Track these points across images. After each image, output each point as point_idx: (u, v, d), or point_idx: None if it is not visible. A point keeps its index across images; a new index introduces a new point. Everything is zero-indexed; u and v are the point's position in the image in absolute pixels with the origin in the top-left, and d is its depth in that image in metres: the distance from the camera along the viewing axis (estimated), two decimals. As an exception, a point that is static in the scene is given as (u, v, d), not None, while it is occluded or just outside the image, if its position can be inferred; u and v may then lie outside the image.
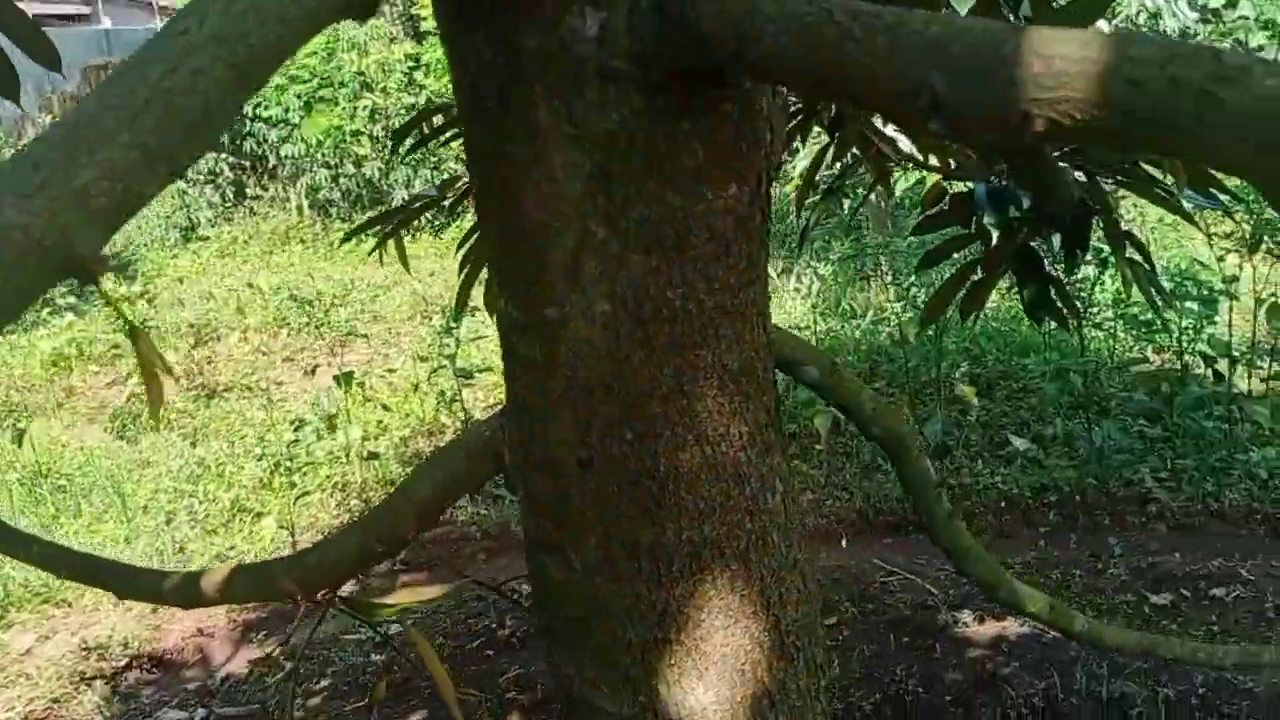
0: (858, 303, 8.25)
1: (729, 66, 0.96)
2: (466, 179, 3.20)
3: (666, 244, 1.13)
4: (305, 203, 12.74)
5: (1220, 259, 6.08)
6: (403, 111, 12.72)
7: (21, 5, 2.33)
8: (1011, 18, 2.14)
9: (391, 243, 3.17)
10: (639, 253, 1.13)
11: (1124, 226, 2.77)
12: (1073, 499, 5.41)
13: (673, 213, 1.12)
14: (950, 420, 6.18)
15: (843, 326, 7.85)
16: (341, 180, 12.74)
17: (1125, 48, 0.65)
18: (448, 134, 3.23)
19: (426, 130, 3.29)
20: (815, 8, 0.77)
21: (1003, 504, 5.44)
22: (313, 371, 8.27)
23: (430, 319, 8.79)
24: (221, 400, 7.92)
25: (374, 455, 6.45)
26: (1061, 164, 2.43)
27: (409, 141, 3.25)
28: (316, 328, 8.66)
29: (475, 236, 3.06)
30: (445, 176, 12.35)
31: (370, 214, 12.62)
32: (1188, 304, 5.93)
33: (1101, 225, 2.55)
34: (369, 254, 2.75)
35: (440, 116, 3.22)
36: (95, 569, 1.58)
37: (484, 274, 3.13)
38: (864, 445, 6.03)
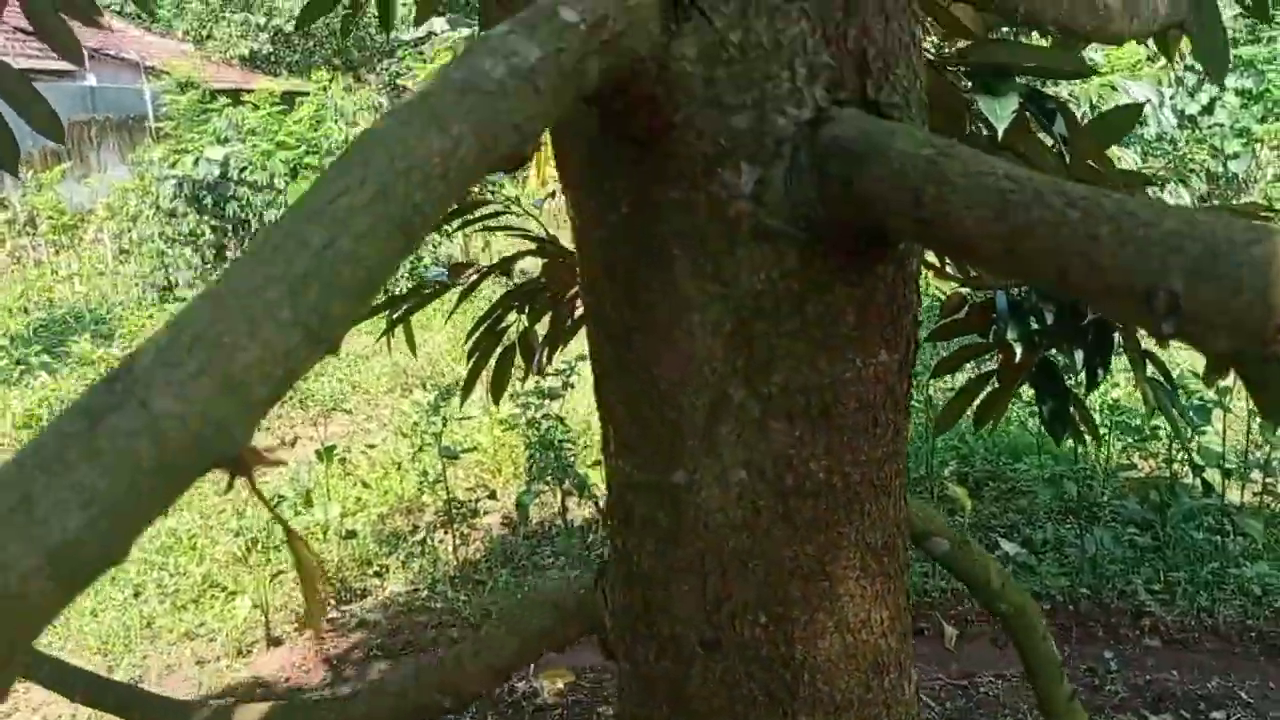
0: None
1: (899, 232, 0.90)
2: (476, 265, 3.16)
3: (812, 412, 1.06)
4: (286, 267, 12.66)
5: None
6: (390, 181, 12.72)
7: (9, 59, 2.28)
8: (1045, 135, 2.14)
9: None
10: (781, 419, 1.05)
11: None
12: (1066, 608, 5.34)
13: (820, 379, 1.05)
14: (941, 521, 6.13)
15: (829, 418, 7.80)
16: (324, 247, 12.67)
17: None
18: (456, 222, 3.21)
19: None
20: (1018, 184, 0.71)
21: (995, 610, 5.35)
22: (292, 443, 8.10)
23: (411, 392, 8.65)
24: (194, 468, 7.72)
25: (352, 534, 6.28)
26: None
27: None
28: (300, 401, 8.51)
29: (484, 325, 3.01)
30: (437, 255, 12.28)
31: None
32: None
33: (1123, 342, 2.54)
34: (377, 340, 2.69)
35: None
36: (112, 695, 1.45)
37: (493, 362, 3.09)
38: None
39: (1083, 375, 2.74)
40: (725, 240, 1.00)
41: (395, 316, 3.10)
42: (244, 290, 0.58)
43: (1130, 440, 6.50)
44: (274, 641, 5.48)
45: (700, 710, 1.15)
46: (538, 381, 6.58)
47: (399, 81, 13.94)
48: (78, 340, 9.68)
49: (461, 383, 7.31)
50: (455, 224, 3.26)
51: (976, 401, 2.66)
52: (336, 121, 12.91)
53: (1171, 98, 9.78)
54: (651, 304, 1.06)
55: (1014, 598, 1.32)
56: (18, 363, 9.19)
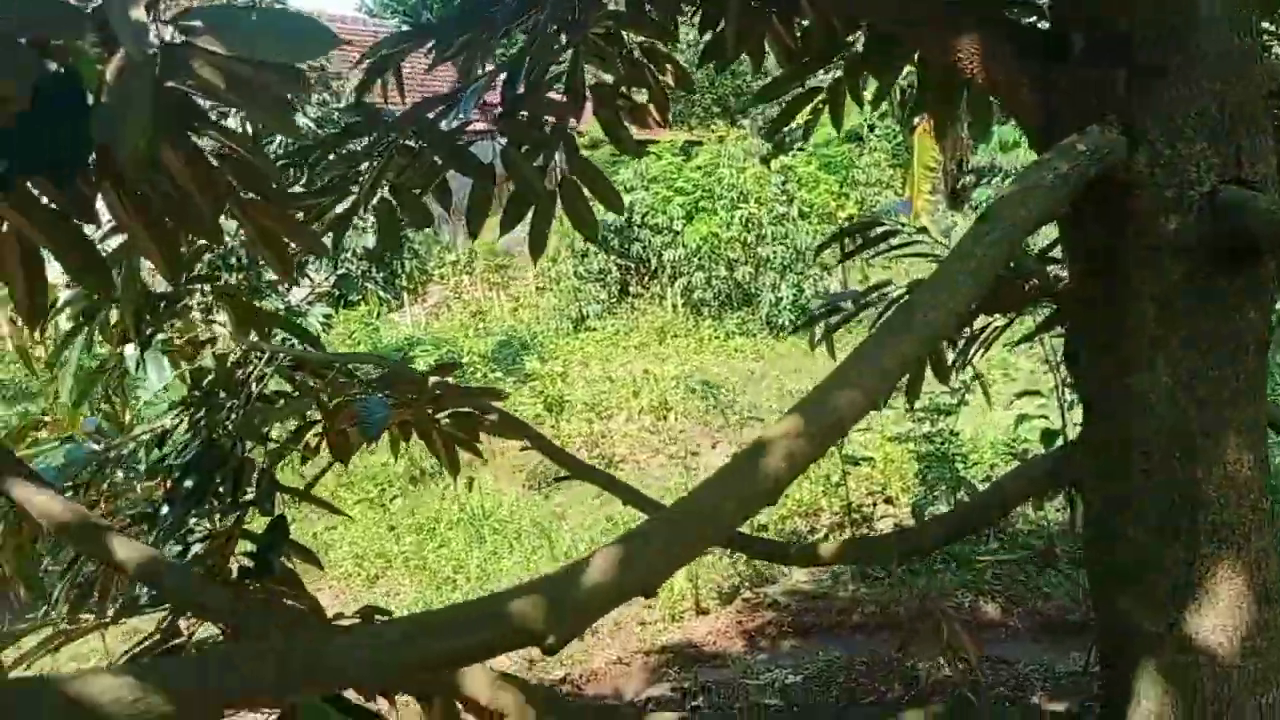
0: None
1: (1261, 245, 1.68)
2: (891, 288, 3.73)
3: (1204, 346, 1.92)
4: (680, 301, 13.99)
5: None
6: (775, 220, 13.76)
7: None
8: None
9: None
10: (1188, 349, 1.93)
11: None
12: None
13: (1211, 326, 1.91)
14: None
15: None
16: (714, 282, 13.86)
17: None
18: (857, 248, 3.82)
19: (849, 245, 3.93)
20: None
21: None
22: (713, 446, 9.21)
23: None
24: (618, 470, 8.90)
25: (762, 529, 7.14)
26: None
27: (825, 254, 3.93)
28: (722, 411, 9.61)
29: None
30: (812, 285, 13.09)
31: (740, 313, 13.56)
32: None
33: None
34: (812, 346, 3.37)
35: (857, 237, 3.83)
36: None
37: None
38: None
39: None
40: (1159, 254, 1.89)
41: (832, 325, 3.76)
42: (906, 314, 1.42)
43: None
44: (701, 611, 6.45)
45: (1138, 513, 2.04)
46: (931, 397, 7.16)
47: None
48: (528, 359, 11.62)
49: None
50: (870, 252, 3.86)
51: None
52: (729, 168, 14.18)
53: None
54: (1115, 290, 1.96)
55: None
56: (484, 377, 11.11)
